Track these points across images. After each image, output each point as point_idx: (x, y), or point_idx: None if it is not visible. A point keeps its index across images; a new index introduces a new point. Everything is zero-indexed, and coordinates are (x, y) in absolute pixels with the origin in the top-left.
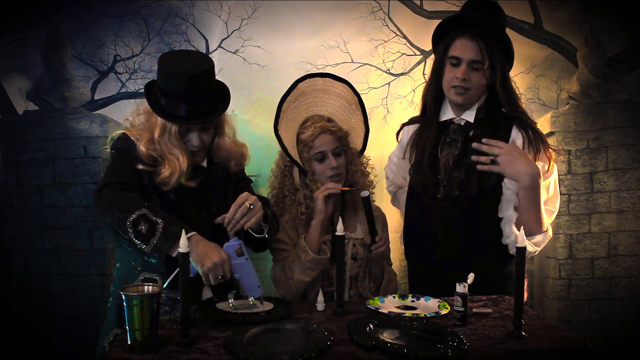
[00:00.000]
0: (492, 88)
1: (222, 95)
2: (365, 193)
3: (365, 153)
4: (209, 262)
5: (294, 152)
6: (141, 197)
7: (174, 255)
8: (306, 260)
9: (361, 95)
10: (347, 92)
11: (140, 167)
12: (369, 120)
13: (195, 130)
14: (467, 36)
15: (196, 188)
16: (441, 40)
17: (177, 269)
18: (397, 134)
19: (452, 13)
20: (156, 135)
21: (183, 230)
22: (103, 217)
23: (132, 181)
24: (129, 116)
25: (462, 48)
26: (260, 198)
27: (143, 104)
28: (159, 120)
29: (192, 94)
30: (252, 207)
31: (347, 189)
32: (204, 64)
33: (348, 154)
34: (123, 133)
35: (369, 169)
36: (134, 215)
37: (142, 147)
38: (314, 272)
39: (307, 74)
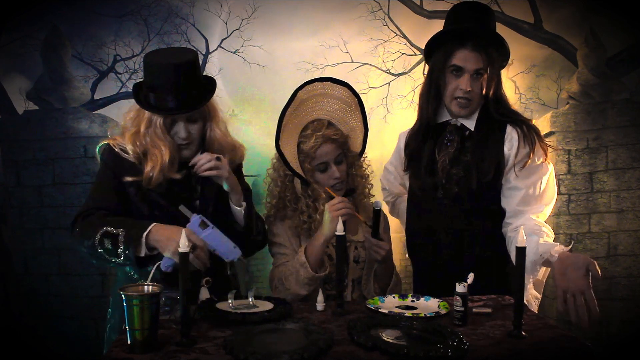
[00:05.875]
0: (486, 95)
1: (208, 86)
2: (377, 204)
3: (365, 153)
4: (173, 244)
5: (295, 164)
6: (103, 215)
7: (142, 255)
8: (305, 277)
9: (361, 96)
10: (346, 94)
11: (127, 179)
12: (369, 121)
13: (181, 121)
14: (469, 47)
15: (188, 191)
16: (438, 49)
17: (154, 265)
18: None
19: None
20: (142, 128)
21: (183, 231)
22: (78, 249)
23: (106, 202)
24: (121, 119)
25: (465, 59)
26: (246, 189)
27: (135, 105)
28: (146, 114)
29: (178, 84)
30: (219, 159)
31: (362, 219)
32: (188, 55)
33: (348, 159)
34: (107, 144)
35: (368, 171)
36: (97, 237)
37: (127, 143)
38: (311, 288)
39: (306, 80)
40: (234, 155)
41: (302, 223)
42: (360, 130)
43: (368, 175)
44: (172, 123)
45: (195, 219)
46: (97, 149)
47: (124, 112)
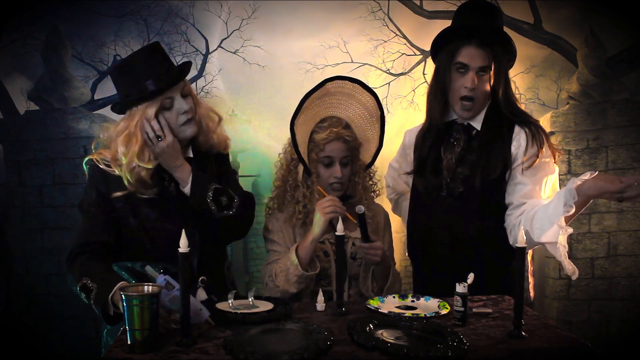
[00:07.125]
0: (495, 93)
1: (182, 64)
2: (360, 209)
3: (375, 167)
4: None
5: (303, 150)
6: (88, 258)
7: (112, 313)
8: (294, 275)
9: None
10: (372, 103)
11: (116, 194)
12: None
13: (176, 96)
14: (474, 44)
15: (177, 200)
16: (443, 48)
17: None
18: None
19: (452, 13)
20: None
21: (183, 231)
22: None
23: (97, 235)
24: (102, 134)
25: (470, 56)
26: (228, 172)
27: (115, 121)
28: (137, 116)
29: (158, 60)
30: (160, 138)
31: (354, 221)
32: (152, 43)
33: (355, 165)
34: (90, 160)
35: (376, 178)
36: (78, 287)
37: (120, 145)
38: (301, 286)
39: (337, 75)
40: (220, 131)
41: (297, 213)
42: (374, 143)
43: (371, 188)
44: (171, 103)
45: (160, 280)
46: (84, 163)
47: (105, 127)
